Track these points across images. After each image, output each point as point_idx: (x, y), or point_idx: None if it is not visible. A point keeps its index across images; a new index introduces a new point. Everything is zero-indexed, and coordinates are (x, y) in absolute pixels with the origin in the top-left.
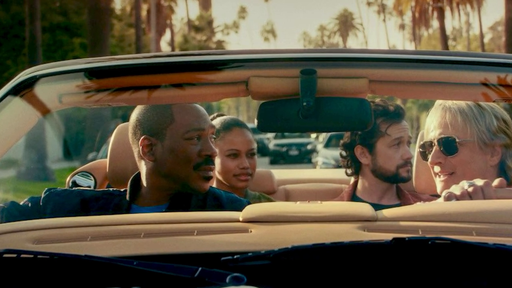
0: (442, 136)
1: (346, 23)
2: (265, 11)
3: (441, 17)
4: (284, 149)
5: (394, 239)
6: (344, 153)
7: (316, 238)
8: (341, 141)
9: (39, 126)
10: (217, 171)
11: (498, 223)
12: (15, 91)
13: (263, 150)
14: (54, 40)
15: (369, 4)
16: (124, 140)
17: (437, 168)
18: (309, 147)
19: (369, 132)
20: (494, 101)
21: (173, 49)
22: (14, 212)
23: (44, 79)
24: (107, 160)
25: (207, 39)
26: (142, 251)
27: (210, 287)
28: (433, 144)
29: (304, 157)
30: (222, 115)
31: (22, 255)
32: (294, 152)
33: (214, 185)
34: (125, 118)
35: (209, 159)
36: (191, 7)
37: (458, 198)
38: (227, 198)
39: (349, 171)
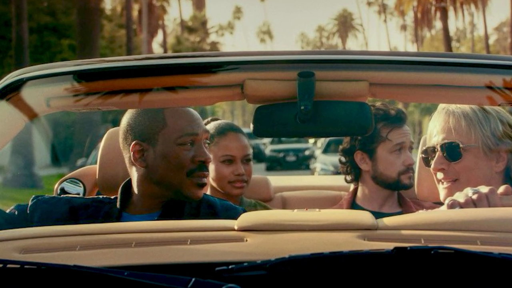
0: (446, 141)
1: (345, 23)
2: (261, 11)
3: (444, 18)
4: (281, 154)
5: (396, 248)
6: (343, 159)
7: (314, 248)
8: (340, 147)
9: (26, 131)
10: (211, 177)
11: (503, 231)
12: (1, 95)
13: (259, 156)
14: (41, 42)
15: (369, 4)
16: (115, 146)
17: (440, 175)
18: (307, 152)
19: (370, 137)
20: (499, 105)
21: (165, 51)
22: (0, 221)
23: (31, 82)
24: (97, 166)
25: (201, 40)
26: (133, 261)
27: None
28: (436, 149)
29: (302, 163)
30: (216, 119)
31: (8, 265)
32: (291, 158)
33: (208, 192)
34: (116, 123)
35: (203, 165)
36: (184, 7)
37: (462, 205)
38: (222, 206)
39: (348, 177)
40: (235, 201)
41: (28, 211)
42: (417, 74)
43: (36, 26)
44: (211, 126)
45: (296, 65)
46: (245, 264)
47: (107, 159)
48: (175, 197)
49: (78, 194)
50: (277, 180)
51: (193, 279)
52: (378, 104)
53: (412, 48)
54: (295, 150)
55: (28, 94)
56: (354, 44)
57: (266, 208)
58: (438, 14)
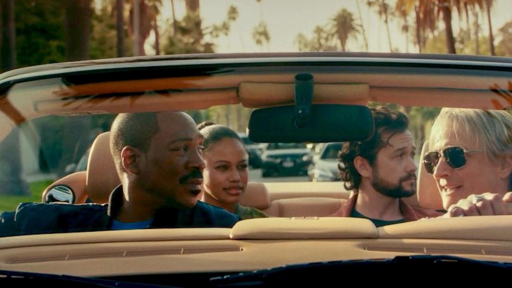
0: (449, 146)
1: (345, 24)
2: (257, 11)
3: (448, 18)
4: (278, 160)
5: (397, 257)
6: (342, 165)
7: (312, 257)
8: (340, 152)
9: (13, 136)
10: (205, 184)
11: (509, 240)
12: None
13: (255, 161)
14: (29, 43)
15: (369, 3)
16: (105, 151)
17: (443, 181)
18: (304, 158)
19: (370, 142)
20: (504, 109)
21: (157, 53)
22: None
23: (18, 85)
24: (87, 172)
25: (195, 41)
26: (124, 271)
27: None
28: (439, 155)
29: (300, 169)
30: (210, 124)
31: None
32: (288, 163)
33: (202, 199)
34: (106, 127)
35: (197, 172)
36: (177, 7)
37: (465, 213)
38: (216, 214)
39: (348, 184)
40: (230, 209)
41: (15, 219)
42: (419, 76)
43: (24, 27)
44: (205, 131)
45: (294, 68)
46: (241, 274)
47: (97, 165)
48: (167, 204)
49: (67, 201)
50: (273, 186)
51: None
52: (378, 107)
53: (414, 49)
54: (292, 155)
55: (15, 97)
56: (353, 45)
57: (263, 216)
58: (441, 15)
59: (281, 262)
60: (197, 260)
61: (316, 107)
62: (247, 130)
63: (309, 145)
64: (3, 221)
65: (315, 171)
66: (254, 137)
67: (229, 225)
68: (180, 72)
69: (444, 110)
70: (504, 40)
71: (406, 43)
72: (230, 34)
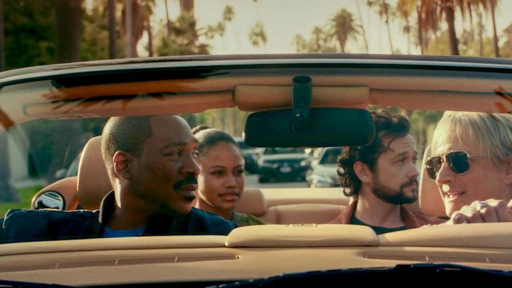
0: (452, 151)
1: (344, 25)
2: (253, 11)
3: (451, 18)
4: (275, 165)
5: (398, 266)
6: (342, 170)
7: (310, 265)
8: (339, 157)
9: (1, 140)
10: (200, 190)
11: None
12: None
13: (251, 167)
14: (18, 44)
15: (370, 3)
16: (96, 156)
17: (446, 187)
18: (302, 163)
19: (370, 147)
20: (509, 112)
21: (151, 54)
22: None
23: (6, 88)
24: (77, 178)
25: (189, 42)
26: (116, 280)
27: None
28: (441, 160)
29: (298, 175)
30: (205, 127)
31: None
32: (286, 169)
33: (197, 206)
34: (98, 131)
35: (191, 177)
36: (171, 7)
37: (469, 220)
38: (211, 221)
39: (347, 190)
40: (226, 216)
41: (3, 226)
42: (421, 79)
43: (12, 28)
44: (200, 135)
45: (291, 70)
46: (236, 283)
47: (88, 170)
48: (161, 211)
49: (57, 208)
50: (270, 192)
51: None
52: (379, 111)
53: (415, 51)
54: (290, 160)
55: (4, 100)
56: (353, 47)
57: (259, 223)
58: (444, 15)
59: (278, 270)
60: (191, 269)
61: (314, 111)
62: (243, 134)
63: (307, 150)
64: None
65: (313, 177)
66: (250, 142)
67: (225, 232)
68: (174, 74)
69: (447, 113)
70: (509, 41)
71: (408, 44)
72: (226, 35)
